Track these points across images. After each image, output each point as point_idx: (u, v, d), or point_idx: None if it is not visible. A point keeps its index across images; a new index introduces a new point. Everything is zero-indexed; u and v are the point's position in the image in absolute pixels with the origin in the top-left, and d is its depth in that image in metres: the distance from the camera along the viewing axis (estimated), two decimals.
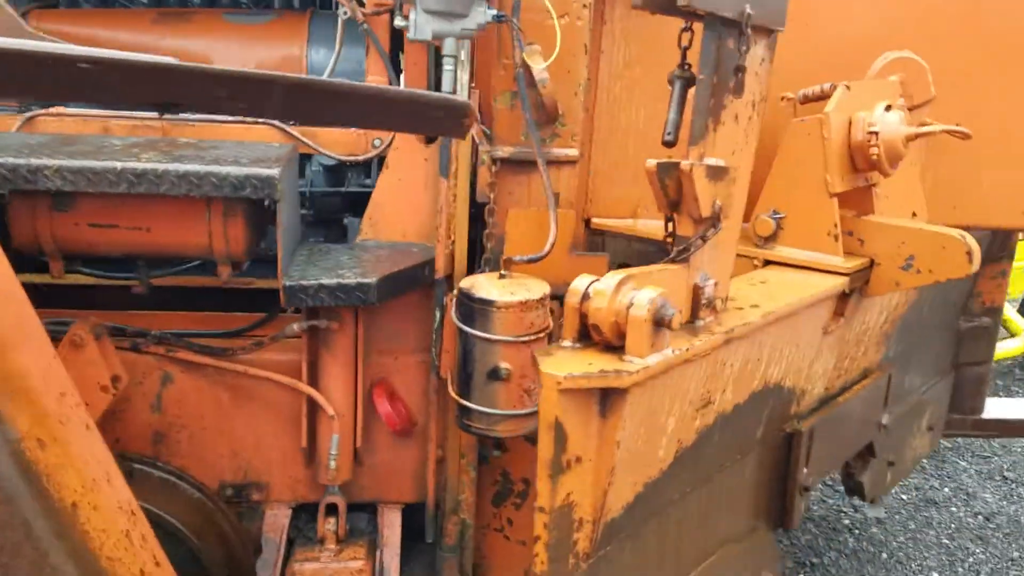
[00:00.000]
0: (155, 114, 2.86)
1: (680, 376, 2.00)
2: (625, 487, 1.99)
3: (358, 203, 2.99)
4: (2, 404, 1.89)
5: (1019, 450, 5.45)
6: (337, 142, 2.95)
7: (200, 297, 2.98)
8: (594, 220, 3.01)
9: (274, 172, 2.43)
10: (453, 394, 2.57)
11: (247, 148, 2.64)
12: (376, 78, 2.91)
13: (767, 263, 2.74)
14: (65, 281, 2.79)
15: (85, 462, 2.10)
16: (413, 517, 3.09)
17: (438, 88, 2.92)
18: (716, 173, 2.03)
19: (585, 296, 1.89)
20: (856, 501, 4.54)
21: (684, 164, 1.95)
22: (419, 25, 2.51)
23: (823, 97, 2.77)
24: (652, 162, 1.98)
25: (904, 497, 4.74)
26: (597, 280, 1.89)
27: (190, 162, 2.44)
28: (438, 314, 2.76)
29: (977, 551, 4.36)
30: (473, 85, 2.69)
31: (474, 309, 2.46)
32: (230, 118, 2.82)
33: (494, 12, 2.58)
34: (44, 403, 2.01)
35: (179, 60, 1.70)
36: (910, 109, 3.00)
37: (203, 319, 2.93)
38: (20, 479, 1.87)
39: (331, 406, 2.77)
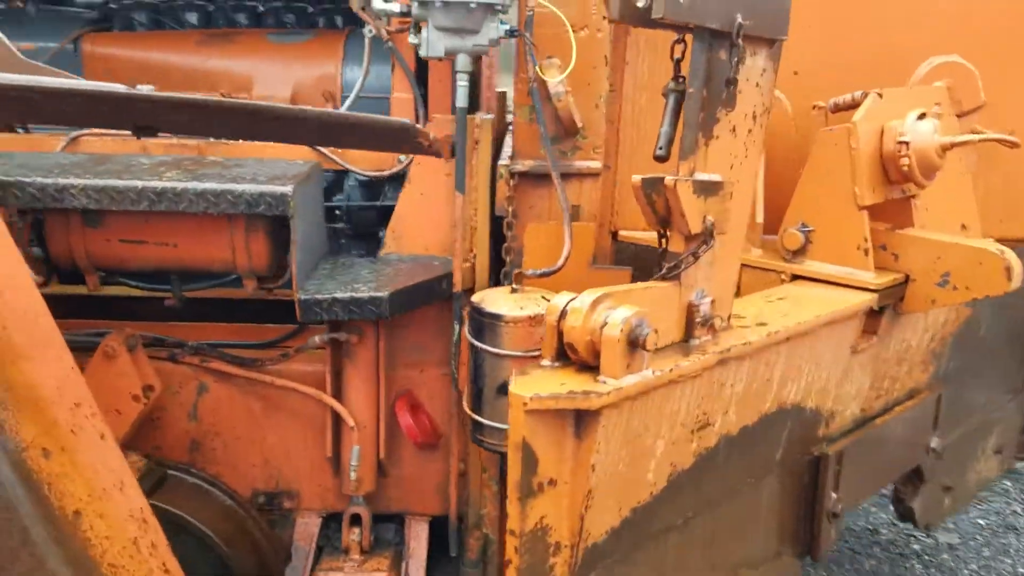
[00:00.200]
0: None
1: (666, 397, 1.94)
2: (608, 512, 1.94)
3: None
4: (6, 414, 1.96)
5: None
6: (365, 158, 2.99)
7: (238, 309, 3.06)
8: (621, 232, 2.96)
9: (287, 189, 2.48)
10: (466, 408, 2.57)
11: (269, 166, 2.71)
12: (401, 95, 2.95)
13: (795, 278, 2.64)
14: (108, 293, 2.92)
15: (95, 471, 2.17)
16: (442, 530, 3.10)
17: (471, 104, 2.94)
18: (707, 188, 1.96)
19: (563, 314, 1.86)
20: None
21: (668, 180, 1.89)
22: (431, 42, 2.53)
23: (854, 106, 2.64)
24: (637, 178, 1.93)
25: (982, 522, 4.46)
26: (575, 298, 1.85)
27: (209, 180, 2.52)
28: (456, 328, 2.76)
29: None
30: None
31: (484, 323, 2.45)
32: None
33: (507, 27, 2.57)
34: (54, 413, 2.09)
35: (157, 88, 1.75)
36: (959, 116, 2.84)
37: (237, 330, 3.01)
38: (20, 487, 1.94)
39: (352, 417, 2.81)
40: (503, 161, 2.81)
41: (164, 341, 2.93)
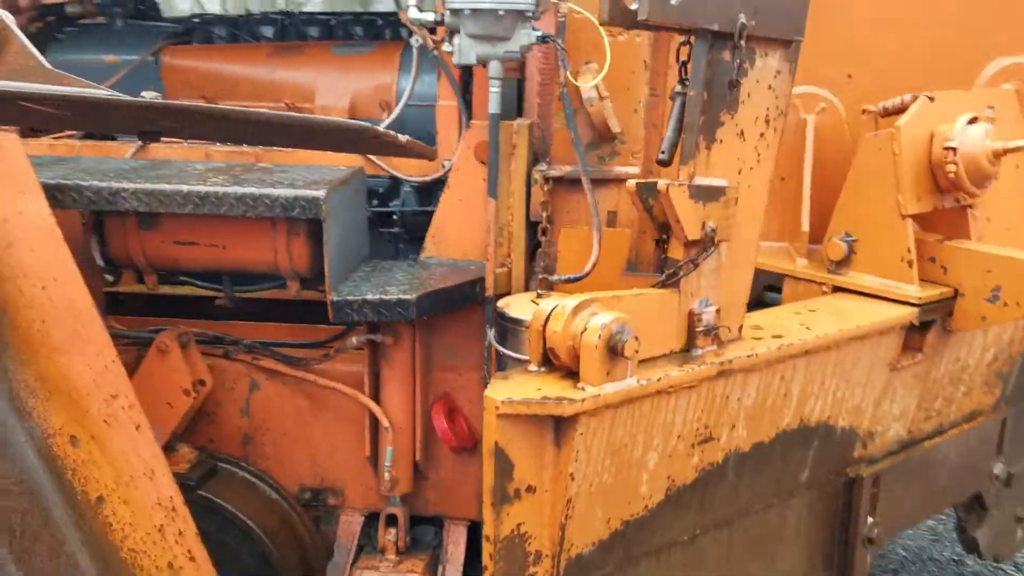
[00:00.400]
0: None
1: (657, 408, 1.89)
2: (594, 523, 1.90)
3: None
4: (36, 403, 2.09)
5: None
6: (412, 164, 3.04)
7: (295, 310, 3.17)
8: None
9: (319, 193, 2.55)
10: None
11: (310, 171, 2.79)
12: (446, 103, 2.98)
13: (836, 289, 2.52)
14: (174, 292, 3.09)
15: (126, 459, 2.29)
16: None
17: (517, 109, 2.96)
18: (707, 193, 1.91)
19: (548, 318, 1.84)
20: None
21: (661, 184, 1.85)
22: (463, 49, 2.56)
23: (904, 110, 2.50)
24: (632, 182, 1.89)
25: None
26: (560, 302, 1.83)
27: (250, 185, 2.62)
28: (488, 332, 2.77)
29: None
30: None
31: (507, 328, 2.45)
32: None
33: (538, 33, 2.57)
34: (87, 404, 2.22)
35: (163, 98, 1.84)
36: None
37: (290, 330, 3.11)
38: (44, 472, 2.05)
39: (387, 418, 2.85)
40: (540, 166, 2.80)
41: (221, 339, 3.06)
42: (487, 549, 1.82)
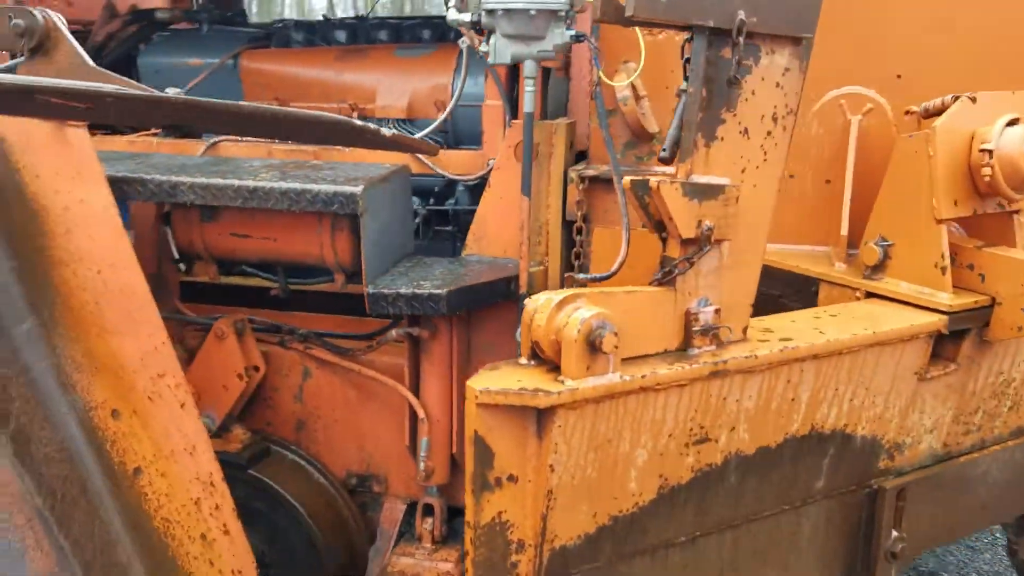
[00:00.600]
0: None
1: (644, 405, 1.89)
2: (578, 516, 1.92)
3: None
4: (80, 377, 2.26)
5: None
6: (458, 162, 3.12)
7: (354, 302, 3.29)
8: None
9: (356, 189, 2.66)
10: None
11: (356, 168, 2.91)
12: (492, 102, 3.05)
13: (869, 295, 2.45)
14: (231, 282, 3.27)
15: (167, 434, 2.45)
16: None
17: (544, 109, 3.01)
18: (704, 191, 1.90)
19: (535, 313, 1.87)
20: None
21: (653, 181, 1.86)
22: (498, 49, 2.61)
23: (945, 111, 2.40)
24: (627, 179, 1.91)
25: None
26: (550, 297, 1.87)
27: (295, 181, 2.75)
28: (518, 329, 2.81)
29: None
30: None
31: None
32: None
33: (572, 33, 2.60)
34: (133, 380, 2.39)
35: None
36: None
37: (342, 322, 3.24)
38: (84, 442, 2.21)
39: (423, 409, 2.94)
40: (578, 166, 2.83)
41: (279, 328, 3.21)
42: (468, 534, 1.87)
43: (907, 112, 2.55)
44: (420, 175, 3.18)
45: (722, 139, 1.92)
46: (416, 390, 3.00)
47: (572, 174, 2.79)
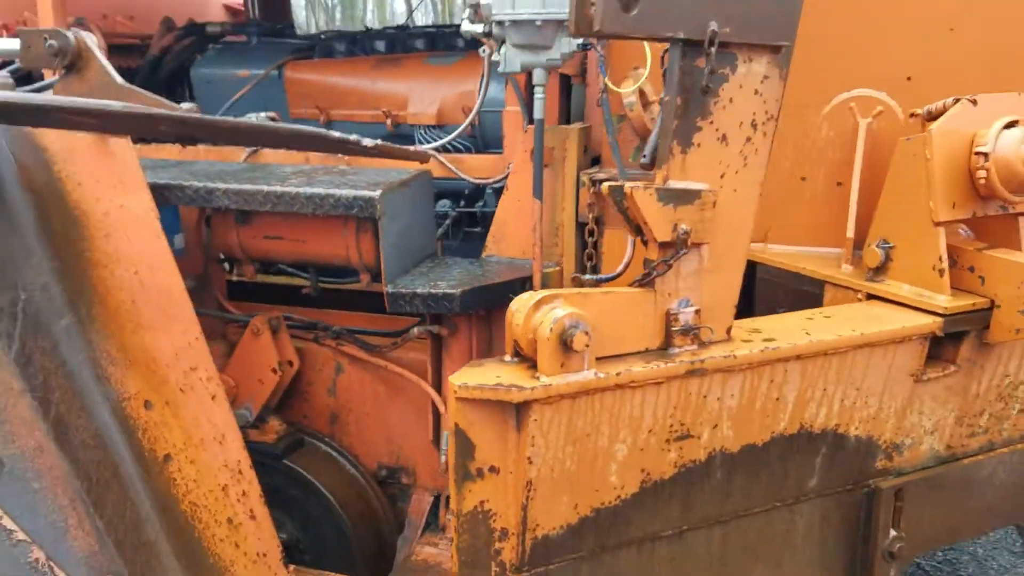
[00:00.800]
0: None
1: (621, 401, 1.97)
2: (559, 507, 2.01)
3: None
4: (115, 370, 2.44)
5: None
6: (480, 166, 3.24)
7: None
8: None
9: (374, 194, 2.80)
10: None
11: (379, 174, 3.04)
12: (512, 108, 3.15)
13: (870, 297, 2.46)
14: (271, 281, 3.45)
15: (197, 424, 2.62)
16: None
17: (568, 115, 3.10)
18: (679, 196, 1.97)
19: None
20: None
21: (627, 187, 1.93)
22: (509, 59, 2.72)
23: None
24: (606, 184, 1.99)
25: None
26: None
27: (320, 186, 2.90)
28: None
29: None
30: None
31: None
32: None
33: (579, 41, 2.68)
34: (166, 373, 2.57)
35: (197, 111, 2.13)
36: None
37: (371, 319, 3.39)
38: (117, 430, 2.39)
39: (443, 404, 3.06)
40: (590, 169, 2.91)
41: (315, 325, 3.38)
42: (453, 522, 1.98)
43: (912, 114, 2.55)
44: (444, 179, 3.30)
45: (699, 145, 1.97)
46: (438, 386, 3.12)
47: (584, 177, 2.88)
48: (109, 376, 2.42)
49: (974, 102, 2.33)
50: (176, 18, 4.43)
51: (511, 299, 2.32)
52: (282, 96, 3.93)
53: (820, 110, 2.74)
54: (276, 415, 3.36)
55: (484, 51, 3.15)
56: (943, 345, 2.36)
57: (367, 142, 1.78)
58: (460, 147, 3.47)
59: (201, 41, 4.23)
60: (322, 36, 4.21)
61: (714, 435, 2.12)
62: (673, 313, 2.03)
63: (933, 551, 4.06)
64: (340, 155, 3.41)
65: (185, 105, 2.13)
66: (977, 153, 2.25)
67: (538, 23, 2.61)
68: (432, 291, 2.83)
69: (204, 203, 3.01)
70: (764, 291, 2.88)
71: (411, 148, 2.04)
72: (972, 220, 2.40)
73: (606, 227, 2.87)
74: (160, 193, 2.96)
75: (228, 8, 5.26)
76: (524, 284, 2.94)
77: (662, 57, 2.03)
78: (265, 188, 2.93)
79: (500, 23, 2.67)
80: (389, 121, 3.63)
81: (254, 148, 3.48)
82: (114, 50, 4.02)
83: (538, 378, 1.88)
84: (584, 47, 2.71)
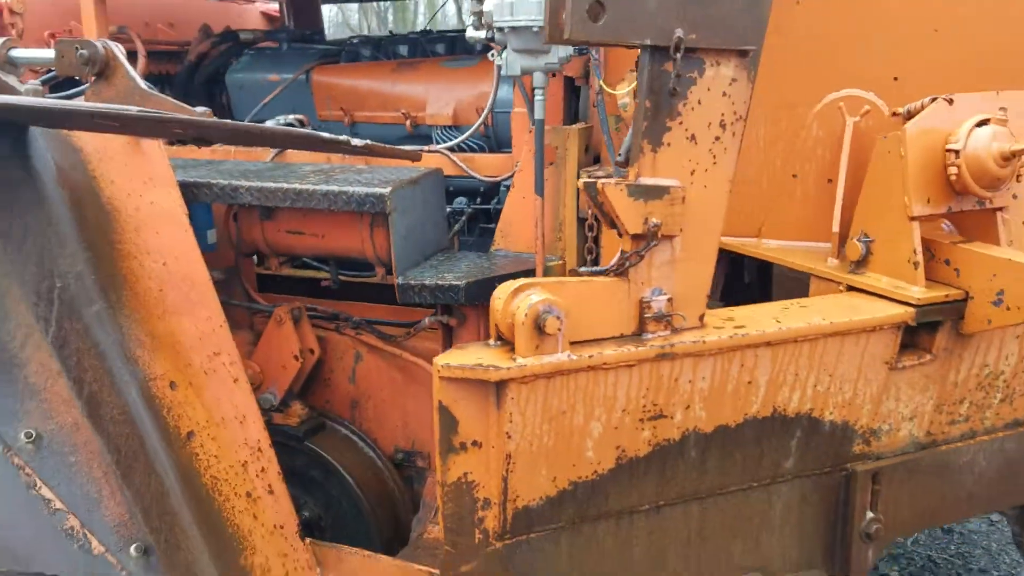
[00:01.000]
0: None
1: (595, 382, 2.11)
2: (538, 479, 2.16)
3: None
4: (142, 353, 2.65)
5: None
6: (489, 165, 3.40)
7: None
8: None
9: (385, 191, 2.97)
10: None
11: (392, 172, 3.22)
12: (519, 109, 3.30)
13: (850, 289, 2.57)
14: (295, 273, 3.65)
15: (219, 404, 2.82)
16: None
17: (573, 115, 3.24)
18: (649, 192, 2.10)
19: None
20: None
21: (599, 183, 2.07)
22: (509, 63, 2.88)
23: None
24: (582, 180, 2.13)
25: None
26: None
27: (335, 183, 3.09)
28: None
29: None
30: None
31: None
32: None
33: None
34: (190, 356, 2.78)
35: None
36: None
37: (390, 311, 3.56)
38: (143, 408, 2.60)
39: None
40: (591, 168, 3.05)
41: (336, 315, 3.57)
42: (439, 492, 2.14)
43: (894, 113, 2.65)
44: (460, 177, 3.47)
45: (669, 145, 2.10)
46: None
47: (583, 175, 3.02)
48: (137, 358, 2.63)
49: (950, 101, 2.43)
50: (216, 26, 4.67)
51: None
52: (310, 99, 4.13)
53: (811, 109, 2.85)
54: (300, 400, 3.56)
55: (493, 55, 3.31)
56: (919, 335, 2.45)
57: (356, 142, 1.95)
58: (474, 146, 3.64)
59: (236, 47, 4.46)
60: (348, 41, 4.40)
61: (687, 416, 2.25)
62: (646, 301, 2.17)
63: (944, 546, 4.11)
64: (361, 156, 3.61)
65: (199, 109, 2.32)
66: (949, 150, 2.34)
67: (535, 29, 2.75)
68: (439, 282, 2.99)
69: (230, 200, 3.21)
70: (781, 286, 3.00)
71: (400, 147, 2.21)
72: (952, 215, 2.49)
73: (605, 222, 3.00)
74: (189, 190, 3.17)
75: (266, 15, 5.50)
76: (528, 277, 3.09)
77: (636, 62, 2.17)
78: (285, 185, 3.12)
79: (501, 29, 2.82)
80: (408, 122, 3.81)
81: (279, 149, 3.68)
82: (155, 56, 4.26)
83: (515, 359, 2.04)
84: (581, 51, 2.85)
